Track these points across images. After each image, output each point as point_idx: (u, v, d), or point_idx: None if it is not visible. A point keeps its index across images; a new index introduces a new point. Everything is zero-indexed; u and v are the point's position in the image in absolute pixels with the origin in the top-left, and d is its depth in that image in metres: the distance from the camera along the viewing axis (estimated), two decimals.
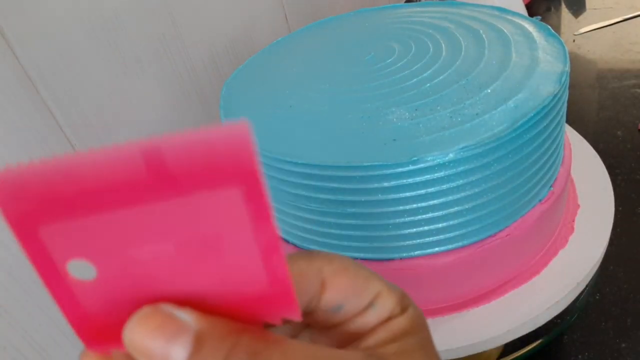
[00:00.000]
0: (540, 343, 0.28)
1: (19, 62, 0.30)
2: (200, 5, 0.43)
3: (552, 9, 0.83)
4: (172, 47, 0.41)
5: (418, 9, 0.39)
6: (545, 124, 0.25)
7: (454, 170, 0.23)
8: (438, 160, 0.23)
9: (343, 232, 0.26)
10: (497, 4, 0.41)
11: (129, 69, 0.37)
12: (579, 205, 0.33)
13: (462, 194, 0.24)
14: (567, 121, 0.40)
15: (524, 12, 0.57)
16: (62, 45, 0.33)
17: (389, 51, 0.33)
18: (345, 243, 0.27)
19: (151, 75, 0.39)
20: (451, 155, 0.23)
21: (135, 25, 0.37)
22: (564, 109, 0.28)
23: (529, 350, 0.28)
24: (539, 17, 0.80)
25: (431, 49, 0.31)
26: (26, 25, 0.30)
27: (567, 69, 0.27)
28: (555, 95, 0.25)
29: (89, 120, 0.35)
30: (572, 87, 0.60)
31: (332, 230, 0.26)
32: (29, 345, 0.33)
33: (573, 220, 0.32)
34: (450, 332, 0.27)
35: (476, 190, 0.24)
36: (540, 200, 0.28)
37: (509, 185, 0.25)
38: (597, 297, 0.36)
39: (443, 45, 0.32)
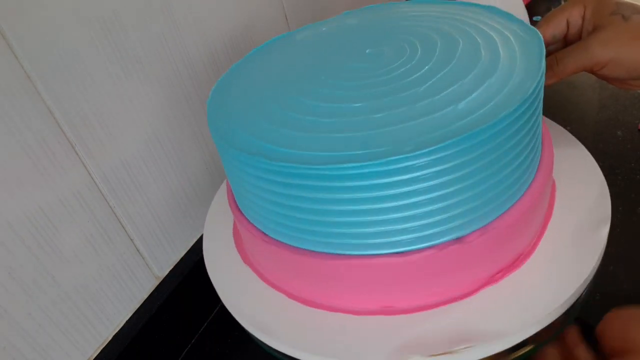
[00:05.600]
0: (540, 343, 0.28)
1: (18, 62, 0.30)
2: (200, 5, 0.43)
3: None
4: (172, 47, 0.41)
5: (414, 8, 0.39)
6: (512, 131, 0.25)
7: (429, 170, 0.24)
8: (414, 161, 0.23)
9: (327, 230, 0.26)
10: (496, 4, 0.41)
11: (129, 69, 0.37)
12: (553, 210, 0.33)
13: (436, 193, 0.24)
14: (567, 121, 0.40)
15: (524, 12, 0.57)
16: (62, 45, 0.33)
17: (380, 54, 0.33)
18: (329, 240, 0.27)
19: (151, 75, 0.39)
20: (425, 157, 0.23)
21: (135, 25, 0.37)
22: (537, 119, 0.28)
23: (528, 351, 0.28)
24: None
25: (419, 52, 0.31)
26: (26, 25, 0.30)
27: (542, 71, 0.27)
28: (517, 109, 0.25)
29: (89, 120, 0.35)
30: (572, 87, 0.61)
31: (315, 228, 0.27)
32: (29, 345, 0.33)
33: (547, 223, 0.32)
34: (442, 331, 0.27)
35: (451, 189, 0.25)
36: (520, 196, 0.28)
37: (489, 181, 0.25)
38: (597, 297, 0.36)
39: (438, 46, 0.32)
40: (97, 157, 0.36)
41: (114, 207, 0.38)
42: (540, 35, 0.30)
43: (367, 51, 0.33)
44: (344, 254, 0.27)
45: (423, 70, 0.29)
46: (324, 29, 0.39)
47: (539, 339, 0.28)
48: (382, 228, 0.25)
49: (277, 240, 0.30)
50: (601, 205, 0.32)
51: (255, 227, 0.31)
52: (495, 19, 0.34)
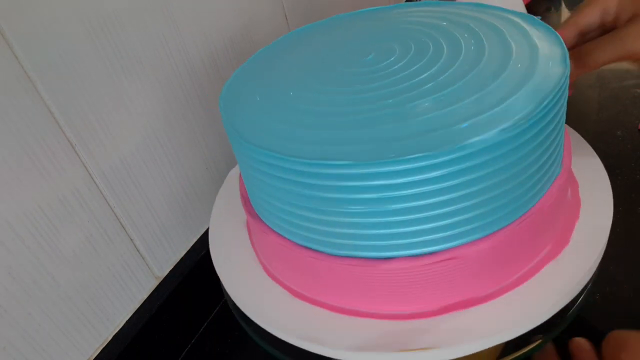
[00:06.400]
0: (540, 343, 0.28)
1: (18, 62, 0.30)
2: (200, 5, 0.43)
3: (552, 9, 0.83)
4: (172, 47, 0.41)
5: (417, 8, 0.39)
6: (541, 127, 0.25)
7: (448, 169, 0.23)
8: (432, 160, 0.23)
9: (345, 231, 0.26)
10: (496, 3, 0.41)
11: (129, 69, 0.37)
12: (579, 212, 0.33)
13: (458, 194, 0.24)
14: (567, 121, 0.40)
15: (524, 12, 0.57)
16: (62, 45, 0.33)
17: (389, 51, 0.33)
18: (351, 241, 0.27)
19: (151, 75, 0.39)
20: (446, 157, 0.23)
21: (135, 25, 0.37)
22: (563, 111, 0.28)
23: (529, 350, 0.28)
24: (539, 17, 0.80)
25: (430, 50, 0.31)
26: (26, 25, 0.30)
27: (567, 70, 0.27)
28: (552, 98, 0.25)
29: (89, 120, 0.35)
30: (571, 87, 0.60)
31: (333, 229, 0.26)
32: (29, 345, 0.33)
33: (574, 224, 0.32)
34: (449, 331, 0.27)
35: (474, 189, 0.24)
36: (540, 198, 0.28)
37: (513, 182, 0.25)
38: (597, 297, 0.36)
39: (444, 46, 0.32)
40: (97, 156, 0.36)
41: (114, 207, 0.38)
42: (560, 37, 0.29)
43: (376, 50, 0.33)
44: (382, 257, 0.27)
45: (434, 69, 0.29)
46: (329, 28, 0.39)
47: (538, 338, 0.28)
48: (412, 228, 0.25)
49: (288, 239, 0.30)
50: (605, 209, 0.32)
51: (271, 228, 0.31)
52: (506, 19, 0.34)
